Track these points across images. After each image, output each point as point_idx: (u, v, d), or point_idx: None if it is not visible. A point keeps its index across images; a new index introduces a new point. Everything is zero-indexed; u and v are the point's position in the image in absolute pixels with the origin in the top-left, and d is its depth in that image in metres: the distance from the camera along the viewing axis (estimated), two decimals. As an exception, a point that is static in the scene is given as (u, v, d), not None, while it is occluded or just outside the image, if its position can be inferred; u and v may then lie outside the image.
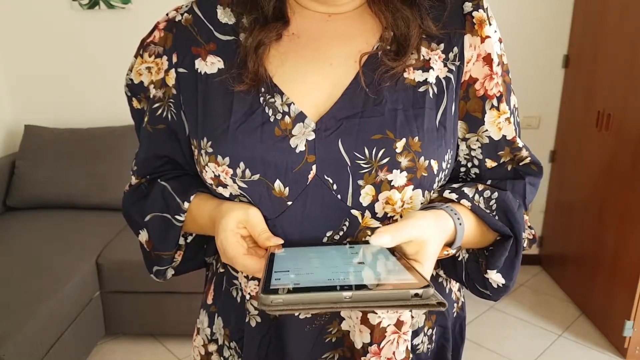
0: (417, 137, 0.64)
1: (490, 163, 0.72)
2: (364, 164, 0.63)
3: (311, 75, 0.67)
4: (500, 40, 0.70)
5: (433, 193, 0.69)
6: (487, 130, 0.70)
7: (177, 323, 2.39)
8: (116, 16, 2.87)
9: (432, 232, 0.58)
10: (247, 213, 0.63)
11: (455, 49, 0.68)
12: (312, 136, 0.64)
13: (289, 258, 0.58)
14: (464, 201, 0.67)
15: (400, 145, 0.63)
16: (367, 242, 0.64)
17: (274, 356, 0.73)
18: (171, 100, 0.71)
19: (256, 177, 0.64)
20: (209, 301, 0.80)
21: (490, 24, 0.68)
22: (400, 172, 0.63)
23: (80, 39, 2.91)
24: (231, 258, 0.62)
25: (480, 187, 0.70)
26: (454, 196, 0.67)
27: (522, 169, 0.73)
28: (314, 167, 0.64)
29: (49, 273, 2.11)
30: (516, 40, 2.79)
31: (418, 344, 0.74)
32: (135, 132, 0.79)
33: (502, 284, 0.69)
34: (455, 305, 0.81)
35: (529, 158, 0.73)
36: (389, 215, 0.66)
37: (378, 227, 0.65)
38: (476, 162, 0.73)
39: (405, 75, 0.67)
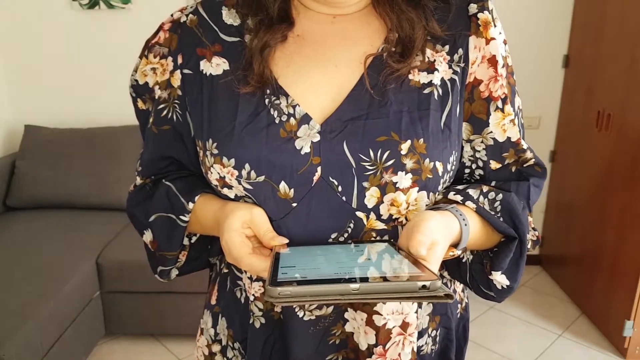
0: (422, 139, 0.64)
1: (494, 164, 0.72)
2: (369, 165, 0.63)
3: (316, 77, 0.67)
4: (505, 42, 0.70)
5: (438, 195, 0.69)
6: (491, 131, 0.70)
7: (177, 323, 2.39)
8: (116, 16, 2.87)
9: (441, 233, 0.58)
10: (251, 213, 0.63)
11: (460, 51, 0.68)
12: (317, 138, 0.64)
13: (294, 256, 0.58)
14: (468, 203, 0.67)
15: (405, 147, 0.63)
16: (372, 242, 0.64)
17: (278, 358, 0.73)
18: (176, 102, 0.71)
19: (261, 178, 0.64)
20: (213, 302, 0.80)
21: (495, 26, 0.68)
22: (406, 174, 0.63)
23: (80, 39, 2.90)
24: (236, 258, 0.62)
25: (485, 188, 0.70)
26: (458, 198, 0.67)
27: (526, 171, 0.73)
28: (319, 168, 0.64)
29: (49, 273, 2.11)
30: (516, 40, 2.79)
31: (422, 345, 0.75)
32: (140, 133, 0.79)
33: (507, 286, 0.69)
34: (459, 306, 0.81)
35: (533, 160, 0.73)
36: (393, 217, 0.66)
37: (383, 229, 0.65)
38: (480, 163, 0.73)
39: (410, 77, 0.67)
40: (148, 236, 0.76)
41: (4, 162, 2.79)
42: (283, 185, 0.64)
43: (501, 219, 0.68)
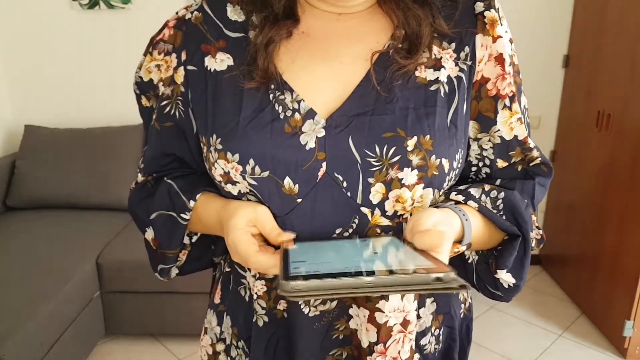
0: (428, 136, 0.64)
1: (501, 163, 0.73)
2: (374, 161, 0.63)
3: (321, 73, 0.67)
4: (511, 41, 0.70)
5: (441, 194, 0.69)
6: (499, 130, 0.70)
7: (177, 323, 2.39)
8: (116, 16, 2.87)
9: (445, 226, 0.58)
10: (256, 211, 0.63)
11: (467, 49, 0.68)
12: (322, 133, 0.64)
13: (303, 251, 0.58)
14: (470, 202, 0.67)
15: (411, 143, 0.63)
16: (377, 236, 0.64)
17: (281, 356, 0.73)
18: (179, 98, 0.71)
19: (266, 174, 0.64)
20: (217, 300, 0.80)
21: (501, 24, 0.68)
22: (411, 171, 0.63)
23: (80, 39, 2.90)
24: (244, 257, 0.61)
25: (487, 187, 0.70)
26: (460, 198, 0.67)
27: (532, 170, 0.73)
28: (323, 164, 0.63)
29: (49, 273, 2.11)
30: (516, 40, 2.76)
31: (425, 344, 0.74)
32: (144, 130, 0.79)
33: (513, 284, 0.70)
34: (462, 306, 0.81)
35: (540, 159, 0.73)
36: (398, 214, 0.65)
37: (388, 225, 0.65)
38: (487, 162, 0.73)
39: (417, 73, 0.66)
40: (150, 234, 0.76)
41: (4, 162, 2.79)
42: (288, 181, 0.64)
43: (504, 217, 0.68)
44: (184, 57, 0.70)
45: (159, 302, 2.36)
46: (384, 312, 0.67)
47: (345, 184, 0.64)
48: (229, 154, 0.65)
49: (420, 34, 0.66)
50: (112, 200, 2.68)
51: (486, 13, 0.68)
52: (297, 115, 0.64)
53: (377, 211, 0.65)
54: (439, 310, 0.75)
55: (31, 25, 2.88)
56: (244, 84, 0.66)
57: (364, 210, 0.64)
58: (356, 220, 0.65)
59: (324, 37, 0.69)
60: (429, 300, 0.74)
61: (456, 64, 0.68)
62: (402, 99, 0.65)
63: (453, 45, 0.68)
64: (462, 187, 0.69)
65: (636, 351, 2.35)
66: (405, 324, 0.68)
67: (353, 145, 0.63)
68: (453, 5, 0.69)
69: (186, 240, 0.77)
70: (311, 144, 0.63)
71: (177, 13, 0.73)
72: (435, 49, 0.68)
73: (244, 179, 0.65)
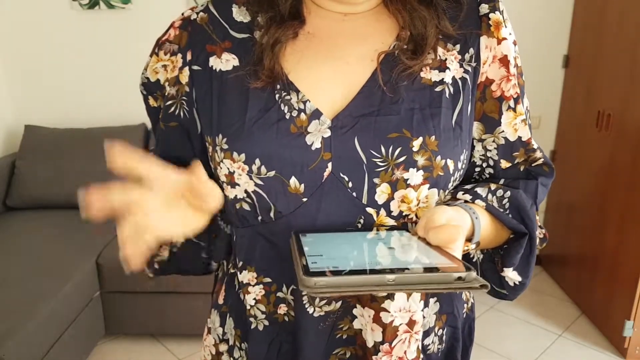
0: (433, 137, 0.64)
1: (504, 164, 0.73)
2: (380, 162, 0.63)
3: (327, 73, 0.67)
4: (515, 43, 0.70)
5: (447, 194, 0.69)
6: (503, 131, 0.71)
7: (177, 323, 2.39)
8: (116, 16, 2.87)
9: (459, 223, 0.58)
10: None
11: (472, 50, 0.68)
12: (327, 133, 0.64)
13: (318, 243, 0.57)
14: (478, 201, 0.67)
15: (417, 144, 0.63)
16: (392, 229, 0.64)
17: (287, 356, 0.73)
18: (184, 98, 0.71)
19: (272, 173, 0.64)
20: (220, 301, 0.79)
21: (506, 26, 0.69)
22: (417, 171, 0.63)
23: (80, 39, 2.90)
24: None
25: (493, 186, 0.70)
26: (467, 197, 0.67)
27: (534, 170, 0.74)
28: (329, 164, 0.63)
29: (49, 273, 2.11)
30: (516, 40, 2.80)
31: (429, 344, 0.74)
32: (152, 131, 0.79)
33: (519, 282, 0.70)
34: (465, 306, 0.81)
35: (542, 159, 0.74)
36: (404, 214, 0.66)
37: (393, 226, 0.65)
38: (491, 162, 0.73)
39: (422, 74, 0.67)
40: None
41: (4, 162, 2.78)
42: (293, 181, 0.64)
43: (510, 216, 0.68)
44: (189, 57, 0.70)
45: (159, 302, 2.35)
46: (389, 312, 0.67)
47: (350, 184, 0.64)
48: (234, 154, 0.65)
49: (425, 35, 0.66)
50: (112, 200, 2.67)
51: (491, 15, 0.68)
52: (302, 116, 0.64)
53: (383, 211, 0.65)
54: (442, 310, 0.75)
55: (31, 25, 2.88)
56: (250, 83, 0.66)
57: (370, 210, 0.65)
58: (361, 220, 0.65)
59: (330, 38, 0.69)
60: (432, 300, 0.74)
61: (461, 66, 0.68)
62: (407, 100, 0.65)
63: (458, 46, 0.69)
64: (468, 187, 0.69)
65: (636, 351, 2.36)
66: (411, 324, 0.69)
67: (359, 146, 0.63)
68: (458, 6, 0.69)
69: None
70: (317, 144, 0.63)
71: (182, 14, 0.73)
72: (440, 50, 0.68)
73: (251, 178, 0.65)
